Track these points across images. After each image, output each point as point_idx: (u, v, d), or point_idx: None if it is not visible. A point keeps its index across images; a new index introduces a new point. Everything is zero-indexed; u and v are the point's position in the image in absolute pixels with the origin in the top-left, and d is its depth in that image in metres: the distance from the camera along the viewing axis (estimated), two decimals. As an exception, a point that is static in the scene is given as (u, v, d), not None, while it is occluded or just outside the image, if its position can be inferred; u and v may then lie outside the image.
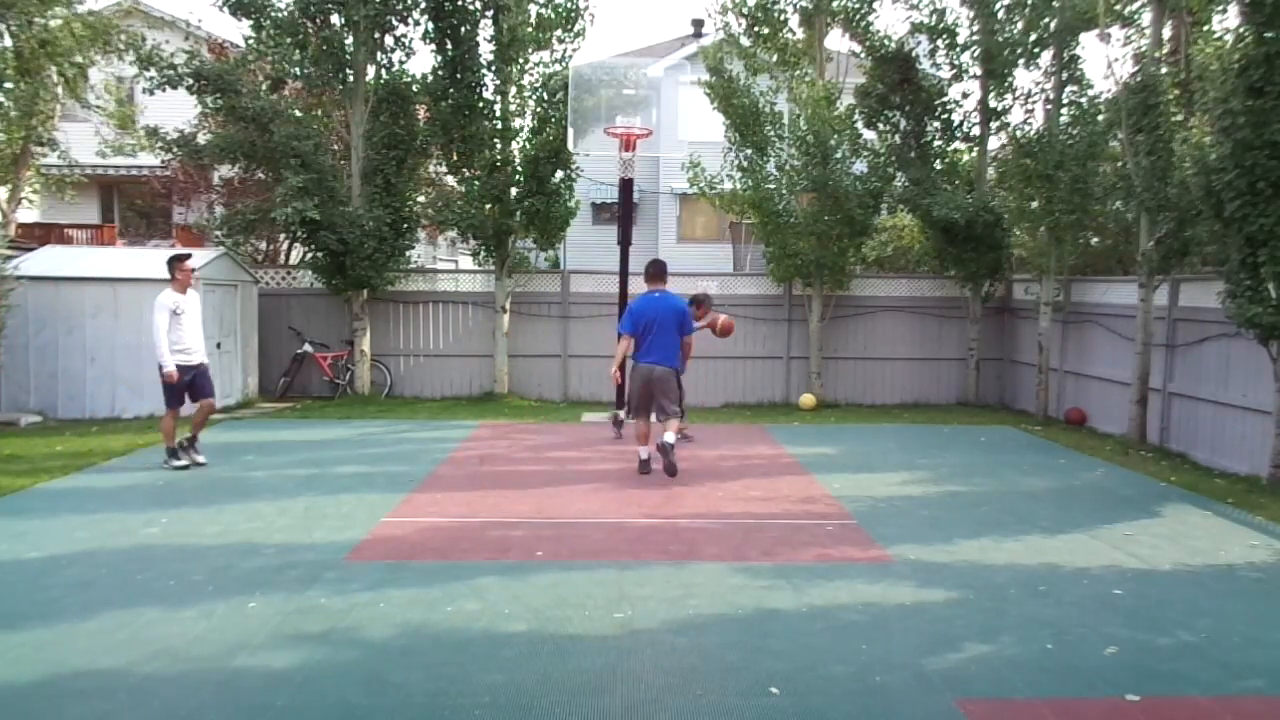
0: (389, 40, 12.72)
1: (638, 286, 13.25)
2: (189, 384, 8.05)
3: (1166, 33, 10.04)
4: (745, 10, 13.12)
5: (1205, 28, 9.78)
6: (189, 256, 8.42)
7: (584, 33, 12.76)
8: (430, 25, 12.45)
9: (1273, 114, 7.09)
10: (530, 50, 12.61)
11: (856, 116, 12.89)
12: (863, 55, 13.02)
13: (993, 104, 12.43)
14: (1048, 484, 7.92)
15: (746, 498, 7.21)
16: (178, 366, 7.89)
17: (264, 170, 13.07)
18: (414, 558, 5.47)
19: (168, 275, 8.14)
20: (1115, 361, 10.72)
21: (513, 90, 12.78)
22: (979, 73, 12.52)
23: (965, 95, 12.79)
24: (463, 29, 12.32)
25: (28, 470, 7.76)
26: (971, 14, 12.31)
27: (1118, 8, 10.56)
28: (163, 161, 15.58)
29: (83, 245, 17.65)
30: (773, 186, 12.81)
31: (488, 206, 12.73)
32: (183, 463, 8.02)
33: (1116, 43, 10.44)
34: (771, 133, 12.90)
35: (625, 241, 11.71)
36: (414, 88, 12.78)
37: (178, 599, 4.70)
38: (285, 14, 12.19)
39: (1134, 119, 9.48)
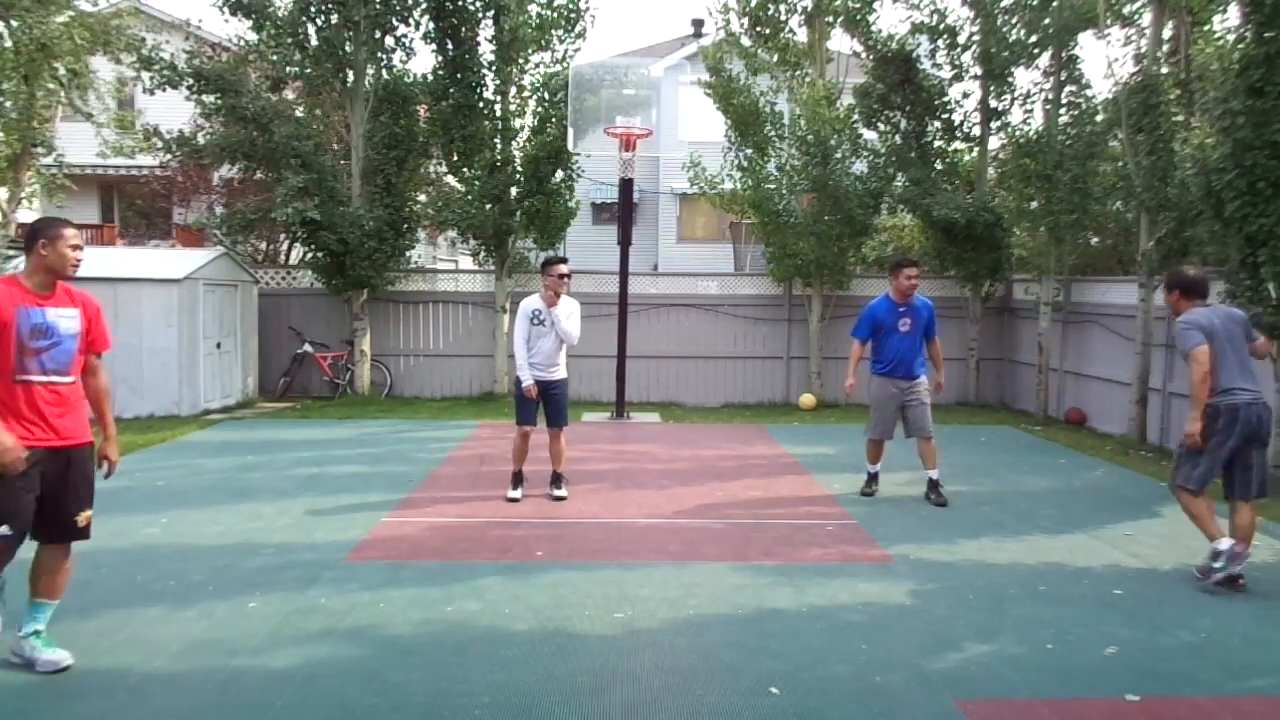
0: (389, 40, 12.73)
1: (638, 286, 13.36)
2: (543, 401, 7.01)
3: (1166, 33, 10.04)
4: (746, 10, 13.13)
5: (1205, 28, 9.78)
6: (561, 261, 6.97)
7: (584, 33, 12.78)
8: (430, 25, 12.46)
9: (1273, 114, 7.08)
10: (531, 51, 12.61)
11: (856, 116, 12.90)
12: (864, 55, 13.03)
13: (993, 104, 12.44)
14: (1048, 484, 7.92)
15: (746, 498, 7.21)
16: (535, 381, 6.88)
17: (264, 170, 13.07)
18: (414, 558, 5.47)
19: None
20: (1115, 361, 10.72)
21: (513, 90, 12.79)
22: (979, 73, 12.53)
23: (965, 95, 12.82)
24: (463, 29, 12.33)
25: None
26: (972, 14, 12.32)
27: (1118, 8, 10.57)
28: (161, 163, 15.58)
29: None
30: (773, 186, 12.82)
31: (488, 206, 12.73)
32: (514, 495, 6.98)
33: (1116, 43, 10.46)
34: (772, 133, 12.91)
35: (625, 241, 11.72)
36: (414, 88, 12.78)
37: (178, 599, 4.70)
38: (285, 14, 12.20)
39: (1134, 119, 9.48)
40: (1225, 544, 4.99)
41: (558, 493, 7.09)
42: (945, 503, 6.97)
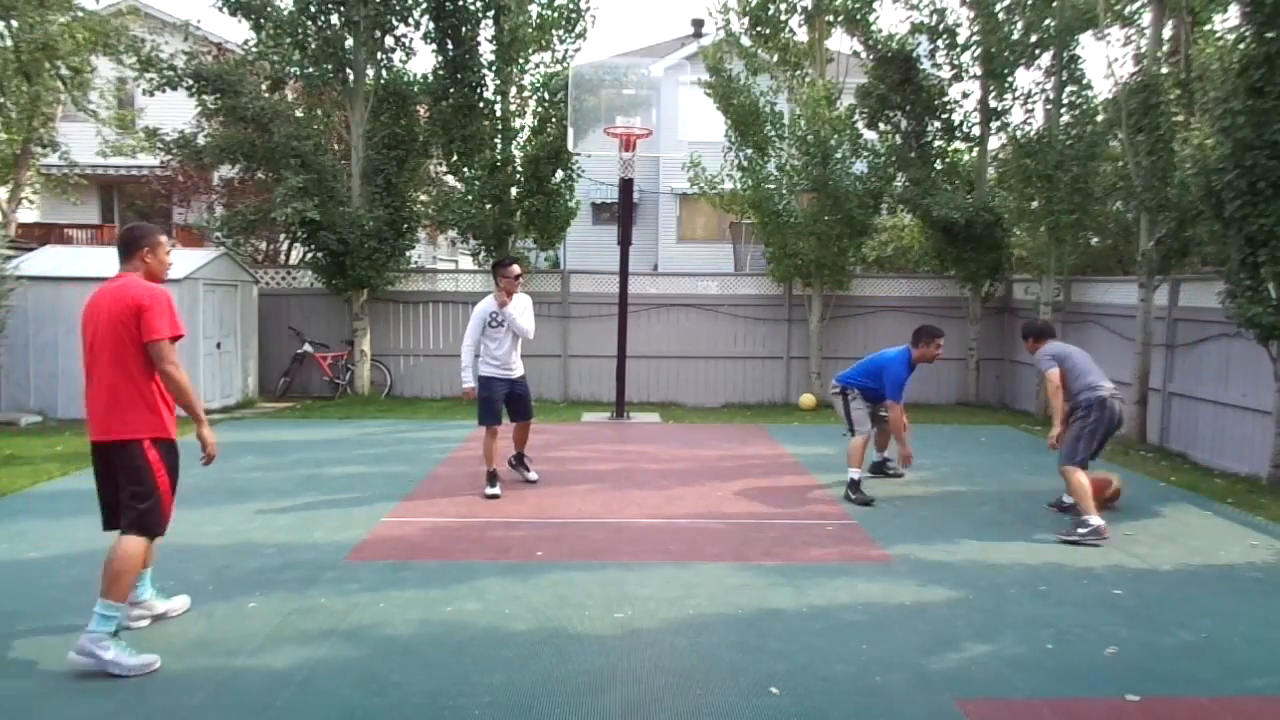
0: (389, 40, 12.72)
1: (638, 286, 13.36)
2: (506, 399, 7.22)
3: (1166, 33, 10.04)
4: (746, 10, 13.13)
5: (1205, 28, 9.78)
6: (514, 262, 7.15)
7: (585, 33, 12.79)
8: (430, 25, 12.46)
9: (1273, 114, 7.08)
10: (531, 51, 12.62)
11: (857, 116, 12.90)
12: (864, 55, 13.03)
13: (993, 104, 12.44)
14: (1048, 484, 7.90)
15: (747, 497, 7.21)
16: (492, 379, 7.09)
17: (264, 170, 13.08)
18: (414, 558, 5.47)
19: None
20: (1115, 361, 10.68)
21: (513, 90, 12.80)
22: (979, 73, 12.53)
23: (965, 95, 12.81)
24: (463, 29, 12.33)
25: (28, 470, 7.76)
26: (972, 14, 12.32)
27: (1118, 8, 10.56)
28: (161, 163, 15.58)
29: (83, 245, 17.66)
30: (773, 186, 12.81)
31: (488, 206, 12.74)
32: (494, 491, 7.07)
33: (1116, 43, 10.46)
34: (772, 132, 12.90)
35: (625, 241, 11.72)
36: (414, 88, 12.78)
37: (178, 599, 4.70)
38: (285, 14, 12.19)
39: (1134, 119, 9.48)
40: (1096, 521, 6.00)
41: (529, 475, 7.50)
42: (902, 474, 7.97)
